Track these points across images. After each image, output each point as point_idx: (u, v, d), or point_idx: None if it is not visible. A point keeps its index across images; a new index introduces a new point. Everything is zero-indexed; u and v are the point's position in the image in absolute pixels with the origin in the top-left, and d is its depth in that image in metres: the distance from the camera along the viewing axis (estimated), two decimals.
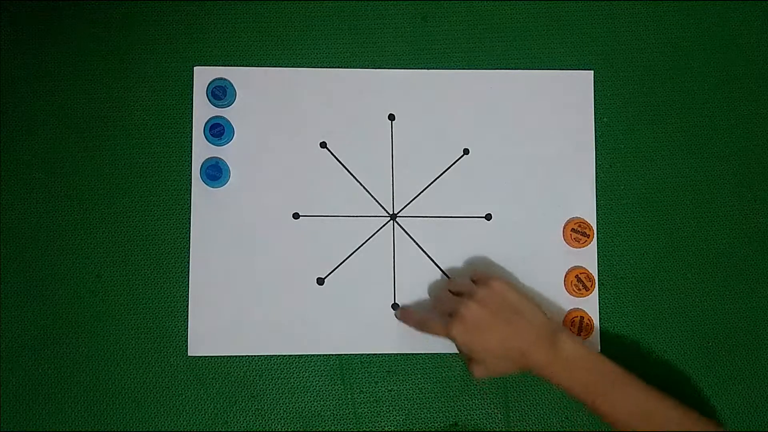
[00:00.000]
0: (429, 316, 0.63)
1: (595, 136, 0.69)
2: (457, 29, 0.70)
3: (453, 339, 0.60)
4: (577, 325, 0.67)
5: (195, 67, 0.68)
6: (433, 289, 0.67)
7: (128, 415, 0.65)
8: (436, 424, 0.67)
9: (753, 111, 0.70)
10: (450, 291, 0.65)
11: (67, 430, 0.65)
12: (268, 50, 0.69)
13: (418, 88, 0.69)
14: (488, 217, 0.68)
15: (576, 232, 0.68)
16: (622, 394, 0.58)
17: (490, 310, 0.59)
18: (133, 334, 0.66)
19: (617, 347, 0.68)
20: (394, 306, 0.67)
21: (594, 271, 0.68)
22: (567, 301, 0.68)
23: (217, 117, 0.67)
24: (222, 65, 0.69)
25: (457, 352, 0.63)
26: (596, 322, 0.68)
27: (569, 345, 0.59)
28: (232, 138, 0.68)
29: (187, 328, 0.66)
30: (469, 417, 0.67)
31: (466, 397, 0.67)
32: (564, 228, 0.68)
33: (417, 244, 0.68)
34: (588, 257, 0.68)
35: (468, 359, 0.62)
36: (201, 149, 0.68)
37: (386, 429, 0.66)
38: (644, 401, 0.58)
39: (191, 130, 0.68)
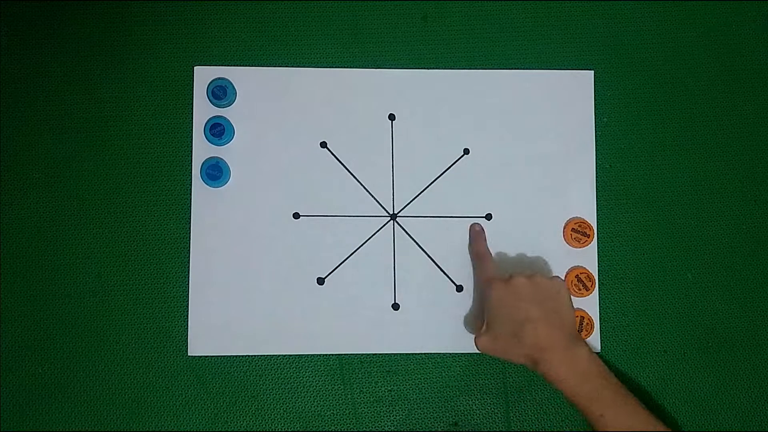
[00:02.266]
0: (490, 256, 0.65)
1: (595, 136, 0.69)
2: (457, 29, 0.70)
3: (489, 291, 0.60)
4: (577, 325, 0.67)
5: (195, 67, 0.68)
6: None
7: (128, 415, 0.65)
8: (436, 424, 0.67)
9: (753, 111, 0.70)
10: None
11: (67, 430, 0.65)
12: (268, 50, 0.69)
13: (418, 88, 0.69)
14: (488, 217, 0.68)
15: (576, 232, 0.68)
16: (627, 412, 0.58)
17: (535, 292, 0.59)
18: (133, 334, 0.66)
19: (617, 347, 0.68)
20: (395, 306, 0.67)
21: (594, 271, 0.68)
22: None
23: (217, 117, 0.67)
24: (222, 65, 0.69)
25: (472, 321, 0.65)
26: (596, 322, 0.68)
27: (587, 354, 0.59)
28: (232, 138, 0.68)
29: (187, 328, 0.66)
30: (469, 417, 0.67)
31: (466, 397, 0.67)
32: (564, 228, 0.68)
33: (417, 244, 0.68)
34: (588, 257, 0.68)
35: (481, 326, 0.62)
36: (201, 149, 0.68)
37: (386, 429, 0.66)
38: (645, 422, 0.58)
39: (191, 130, 0.68)
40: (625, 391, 0.59)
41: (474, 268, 0.66)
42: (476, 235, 0.67)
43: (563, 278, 0.67)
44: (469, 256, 0.68)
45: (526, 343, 0.58)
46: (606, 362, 0.67)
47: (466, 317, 0.67)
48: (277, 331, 0.66)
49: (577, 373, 0.58)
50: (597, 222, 0.69)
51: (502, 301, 0.60)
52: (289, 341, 0.67)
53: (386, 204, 0.68)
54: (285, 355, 0.67)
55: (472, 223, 0.68)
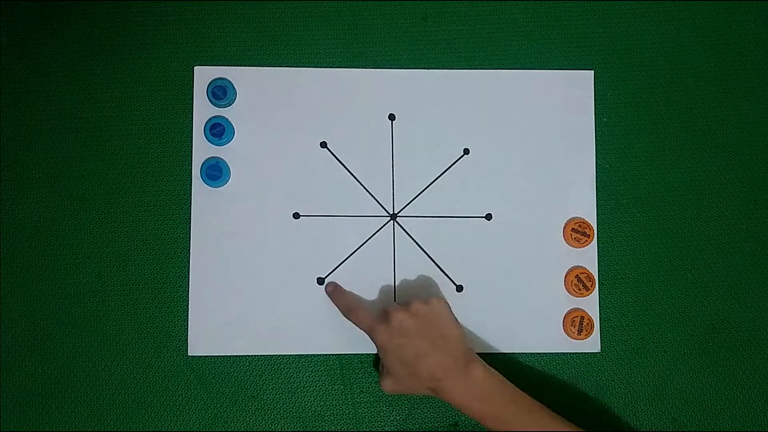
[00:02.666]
0: (360, 305, 0.64)
1: (595, 136, 0.69)
2: (457, 29, 0.70)
3: (374, 338, 0.60)
4: (577, 325, 0.67)
5: (195, 67, 0.68)
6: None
7: (128, 415, 0.65)
8: (436, 424, 0.67)
9: (753, 111, 0.71)
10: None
11: (67, 430, 0.65)
12: (268, 50, 0.69)
13: (418, 88, 0.69)
14: (488, 217, 0.68)
15: (576, 232, 0.68)
16: (535, 423, 0.57)
17: (417, 323, 0.59)
18: (133, 334, 0.66)
19: (617, 347, 0.68)
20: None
21: (594, 271, 0.68)
22: (567, 301, 0.68)
23: (217, 117, 0.67)
24: (222, 65, 0.69)
25: (375, 360, 0.64)
26: (596, 322, 0.68)
27: (482, 375, 0.58)
28: (232, 138, 0.68)
29: (187, 328, 0.66)
30: (469, 417, 0.66)
31: None
32: (564, 228, 0.68)
33: (417, 244, 0.68)
34: (588, 257, 0.68)
35: (381, 370, 0.62)
36: (201, 149, 0.68)
37: (386, 429, 0.66)
38: (555, 427, 0.58)
39: (191, 130, 0.68)
40: (531, 401, 0.59)
41: (352, 321, 0.64)
42: (334, 293, 0.66)
43: (563, 277, 0.67)
44: (469, 256, 0.68)
45: (424, 377, 0.58)
46: (606, 362, 0.67)
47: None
48: (277, 331, 0.66)
49: (481, 397, 0.58)
50: (597, 222, 0.69)
51: (390, 344, 0.59)
52: (289, 341, 0.67)
53: (386, 204, 0.68)
54: (285, 355, 0.67)
55: (327, 284, 0.67)
